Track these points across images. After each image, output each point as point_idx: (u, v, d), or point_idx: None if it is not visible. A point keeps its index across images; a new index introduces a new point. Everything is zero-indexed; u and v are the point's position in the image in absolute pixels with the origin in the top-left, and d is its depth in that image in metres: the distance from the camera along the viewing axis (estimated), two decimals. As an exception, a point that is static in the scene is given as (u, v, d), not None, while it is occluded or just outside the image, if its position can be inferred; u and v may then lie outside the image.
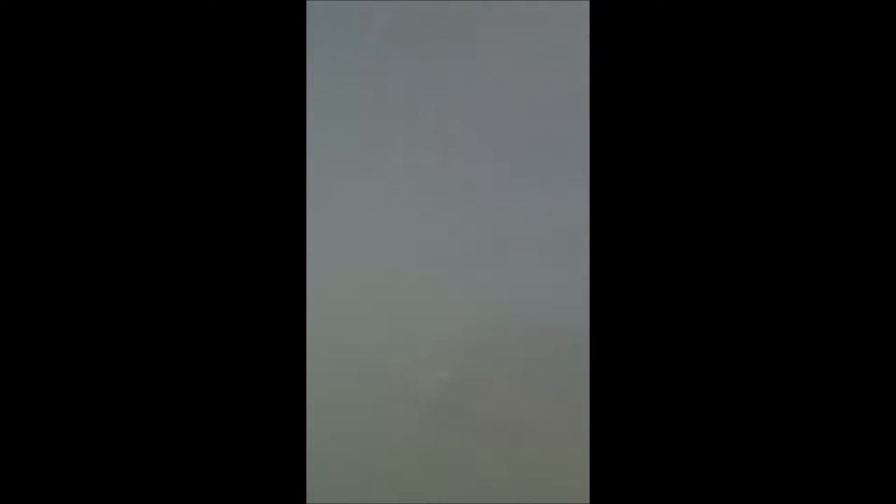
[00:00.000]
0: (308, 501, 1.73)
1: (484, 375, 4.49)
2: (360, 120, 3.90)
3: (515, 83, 3.47)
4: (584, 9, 2.73)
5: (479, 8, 3.13)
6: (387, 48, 3.26)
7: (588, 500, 1.61)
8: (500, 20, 3.18)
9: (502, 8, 3.12)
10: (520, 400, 4.24)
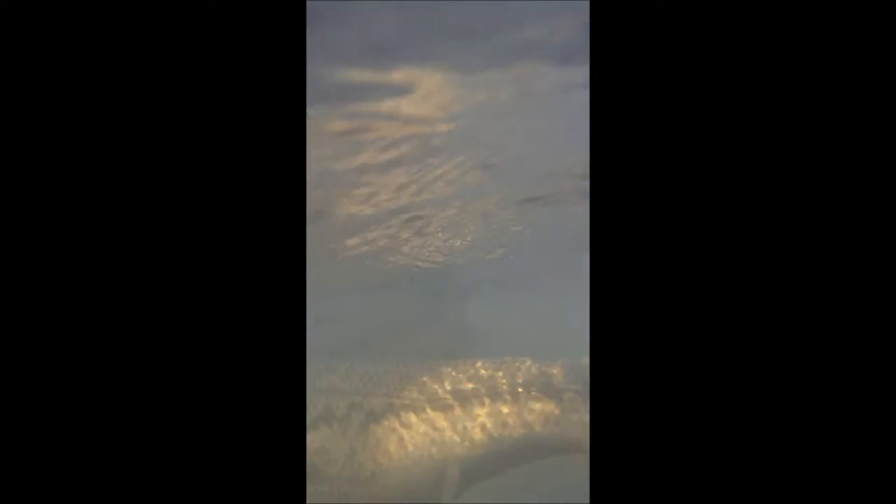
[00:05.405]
0: (308, 502, 1.73)
1: None
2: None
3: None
4: (584, 9, 2.74)
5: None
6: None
7: (588, 500, 1.61)
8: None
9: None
10: None
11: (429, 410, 4.29)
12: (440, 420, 4.26)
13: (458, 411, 4.28)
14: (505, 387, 4.36)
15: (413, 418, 4.25)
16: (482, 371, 4.40)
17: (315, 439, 4.10)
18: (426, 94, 2.95)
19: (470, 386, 4.34)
